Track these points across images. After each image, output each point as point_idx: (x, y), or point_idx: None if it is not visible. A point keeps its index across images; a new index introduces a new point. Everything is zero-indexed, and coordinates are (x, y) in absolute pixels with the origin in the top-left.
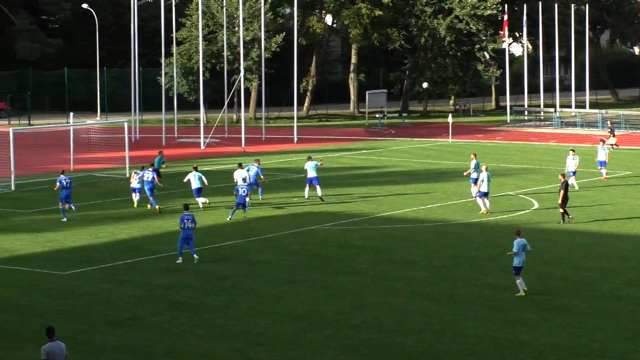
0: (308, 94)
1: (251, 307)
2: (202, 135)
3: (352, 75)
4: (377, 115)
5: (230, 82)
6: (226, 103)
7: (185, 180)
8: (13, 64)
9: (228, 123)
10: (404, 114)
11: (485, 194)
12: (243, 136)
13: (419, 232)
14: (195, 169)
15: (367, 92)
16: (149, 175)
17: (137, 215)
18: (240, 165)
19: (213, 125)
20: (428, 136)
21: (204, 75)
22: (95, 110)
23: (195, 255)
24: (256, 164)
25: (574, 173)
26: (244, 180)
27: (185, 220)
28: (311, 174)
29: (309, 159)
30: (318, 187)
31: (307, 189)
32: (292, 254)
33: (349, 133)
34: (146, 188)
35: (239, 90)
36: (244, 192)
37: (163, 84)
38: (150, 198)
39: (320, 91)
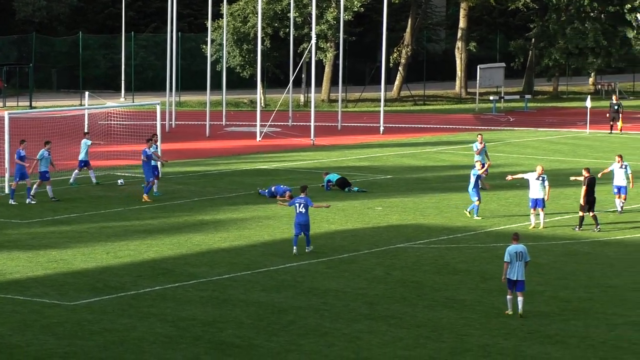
0: (400, 69)
1: (317, 351)
2: (258, 123)
3: (459, 44)
4: (491, 98)
5: (298, 53)
6: (291, 81)
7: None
8: (11, 27)
9: (293, 107)
10: (527, 96)
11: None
12: (312, 124)
13: (542, 252)
14: (86, 135)
15: (478, 67)
16: None
17: (171, 227)
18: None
19: (273, 109)
20: (559, 126)
21: (262, 44)
22: (118, 88)
23: (308, 247)
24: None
25: None
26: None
27: (298, 204)
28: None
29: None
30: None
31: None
32: (373, 281)
33: (452, 121)
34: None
35: (308, 64)
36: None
37: (209, 55)
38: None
39: (417, 65)
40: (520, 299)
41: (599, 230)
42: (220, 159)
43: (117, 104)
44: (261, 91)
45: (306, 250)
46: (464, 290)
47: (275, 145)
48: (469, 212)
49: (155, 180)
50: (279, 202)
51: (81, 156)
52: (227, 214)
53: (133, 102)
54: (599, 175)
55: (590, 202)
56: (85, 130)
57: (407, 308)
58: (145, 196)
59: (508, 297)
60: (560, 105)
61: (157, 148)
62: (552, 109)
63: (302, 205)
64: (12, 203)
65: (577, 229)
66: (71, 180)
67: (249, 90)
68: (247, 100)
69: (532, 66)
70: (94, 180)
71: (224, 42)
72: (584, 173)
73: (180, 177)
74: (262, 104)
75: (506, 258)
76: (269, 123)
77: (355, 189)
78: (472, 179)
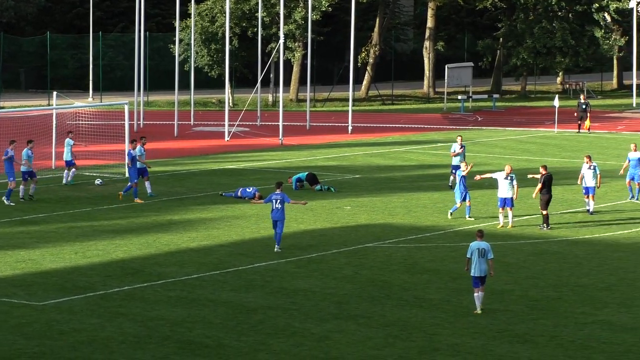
0: (368, 68)
1: (286, 351)
2: (226, 123)
3: (427, 43)
4: (459, 97)
5: (266, 53)
6: (259, 80)
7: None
8: None
9: (262, 107)
10: (496, 96)
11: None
12: (281, 124)
13: (511, 252)
14: (69, 134)
15: (446, 66)
16: None
17: (139, 227)
18: None
19: (242, 109)
20: (527, 125)
21: (230, 44)
22: (86, 88)
23: (277, 245)
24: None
25: None
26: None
27: (274, 200)
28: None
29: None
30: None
31: None
32: (342, 280)
33: (421, 120)
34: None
35: (276, 64)
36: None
37: (177, 55)
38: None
39: (385, 65)
40: (480, 293)
41: (542, 229)
42: (188, 159)
43: (85, 103)
44: (229, 91)
45: (275, 250)
46: (432, 289)
47: (244, 145)
48: (469, 217)
49: (147, 182)
50: (253, 202)
51: (66, 157)
52: (196, 214)
53: (101, 101)
54: (578, 182)
55: (546, 200)
56: (60, 131)
57: (376, 307)
58: (137, 199)
59: (475, 294)
60: (528, 105)
61: (143, 150)
62: (520, 108)
63: (278, 201)
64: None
65: (545, 228)
66: (71, 181)
67: (217, 90)
68: (216, 100)
69: (500, 65)
70: (64, 181)
71: (192, 41)
72: (541, 170)
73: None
74: (231, 104)
75: (467, 254)
76: (237, 123)
77: (326, 187)
78: (457, 179)
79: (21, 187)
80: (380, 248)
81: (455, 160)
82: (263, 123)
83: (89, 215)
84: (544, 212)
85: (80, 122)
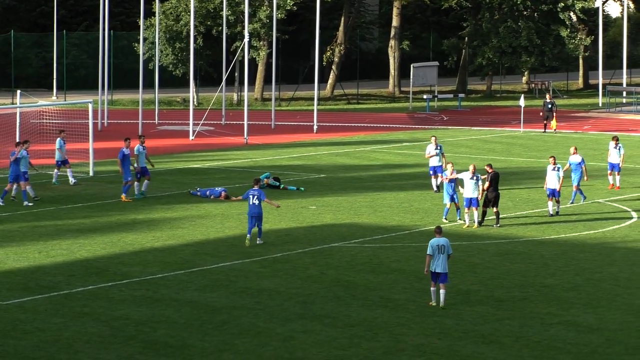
0: (333, 67)
1: (251, 351)
2: (191, 122)
3: (392, 43)
4: (424, 97)
5: (231, 52)
6: (224, 79)
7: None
8: None
9: (226, 106)
10: (461, 95)
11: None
12: (246, 123)
13: (476, 252)
14: (61, 133)
15: (412, 66)
16: None
17: (103, 226)
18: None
19: (206, 108)
20: (492, 124)
21: (195, 42)
22: (50, 87)
23: (259, 238)
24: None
25: (619, 167)
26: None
27: (251, 196)
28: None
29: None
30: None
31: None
32: (307, 280)
33: (386, 119)
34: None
35: (241, 63)
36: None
37: (141, 53)
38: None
39: (350, 64)
40: (442, 291)
41: (499, 227)
42: (153, 158)
43: (49, 102)
44: (194, 90)
45: (257, 242)
46: (398, 289)
47: (209, 144)
48: (446, 219)
49: (147, 181)
50: (233, 199)
51: (57, 157)
52: (160, 213)
53: (65, 100)
54: (544, 187)
55: (494, 198)
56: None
57: (342, 307)
58: (122, 196)
59: (432, 288)
60: (493, 104)
61: (145, 149)
62: (486, 107)
63: (255, 197)
64: (0, 204)
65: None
66: (54, 180)
67: (182, 89)
68: (180, 98)
69: (465, 65)
70: (71, 180)
71: (157, 40)
72: (487, 169)
73: (112, 176)
74: (195, 103)
75: (429, 251)
76: (202, 122)
77: (294, 188)
78: (444, 181)
79: (28, 187)
80: (345, 248)
81: (433, 162)
82: (228, 122)
83: (53, 215)
84: (483, 208)
85: (44, 120)
